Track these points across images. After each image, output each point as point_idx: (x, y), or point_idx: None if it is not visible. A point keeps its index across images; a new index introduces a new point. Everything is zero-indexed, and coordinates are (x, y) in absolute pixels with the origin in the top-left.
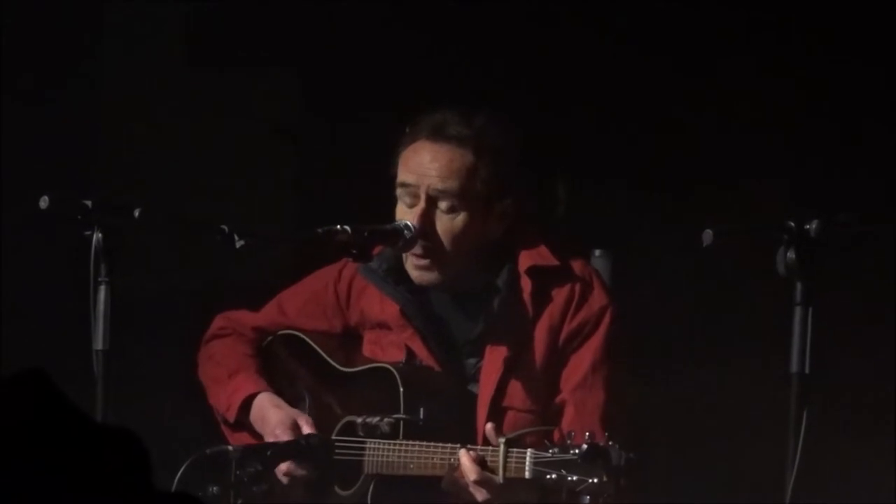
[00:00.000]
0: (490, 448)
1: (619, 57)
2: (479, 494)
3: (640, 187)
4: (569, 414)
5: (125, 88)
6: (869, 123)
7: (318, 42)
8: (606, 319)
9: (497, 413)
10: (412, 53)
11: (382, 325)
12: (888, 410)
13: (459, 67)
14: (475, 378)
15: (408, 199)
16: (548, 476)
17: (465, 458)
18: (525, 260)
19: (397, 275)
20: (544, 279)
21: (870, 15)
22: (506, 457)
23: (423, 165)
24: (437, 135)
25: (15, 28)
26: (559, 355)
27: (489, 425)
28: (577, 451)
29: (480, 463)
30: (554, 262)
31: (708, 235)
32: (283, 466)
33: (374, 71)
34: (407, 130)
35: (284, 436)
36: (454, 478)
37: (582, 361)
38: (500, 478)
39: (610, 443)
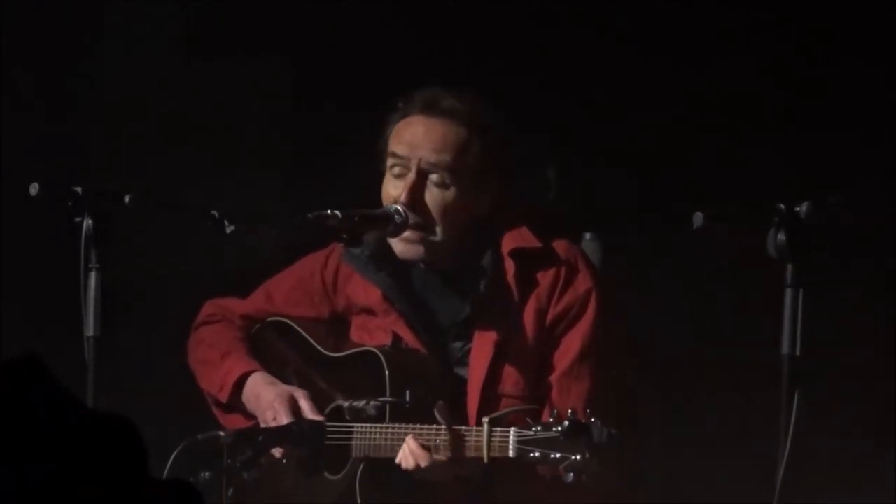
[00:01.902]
0: (474, 428)
1: (619, 49)
2: (431, 474)
3: (632, 170)
4: (553, 400)
5: (123, 83)
6: (865, 118)
7: (316, 39)
8: (593, 303)
9: (489, 399)
10: (410, 49)
11: (368, 311)
12: (881, 393)
13: (457, 61)
14: (462, 362)
15: (397, 171)
16: (531, 454)
17: (412, 444)
18: (508, 242)
19: (380, 260)
20: (527, 262)
21: (870, 15)
22: (489, 436)
23: (417, 138)
24: (431, 109)
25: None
26: (547, 339)
27: (440, 402)
28: (559, 428)
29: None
30: (536, 244)
31: (699, 218)
32: (275, 452)
33: (373, 68)
34: (399, 105)
35: (281, 409)
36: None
37: (570, 348)
38: (485, 457)
39: (592, 419)
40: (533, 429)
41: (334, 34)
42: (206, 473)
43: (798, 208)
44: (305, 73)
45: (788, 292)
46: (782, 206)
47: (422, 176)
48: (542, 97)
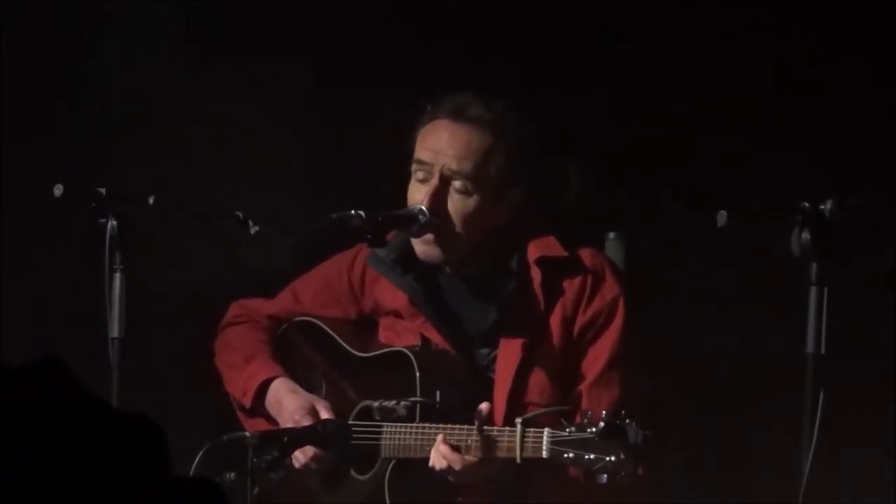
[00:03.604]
0: (507, 429)
1: (621, 47)
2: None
3: (655, 170)
4: (583, 410)
5: (133, 81)
6: (873, 117)
7: (326, 33)
8: (621, 310)
9: (514, 406)
10: (423, 44)
11: (395, 313)
12: None
13: (468, 57)
14: (489, 368)
15: (421, 175)
16: (565, 455)
17: (444, 448)
18: (533, 250)
19: (405, 263)
20: (554, 270)
21: (872, 14)
22: (523, 437)
23: (441, 144)
24: (458, 115)
25: (19, 20)
26: (574, 348)
27: (485, 404)
28: (594, 429)
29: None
30: (562, 253)
31: (722, 216)
32: (300, 452)
33: (384, 60)
34: (428, 108)
35: (303, 420)
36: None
37: (599, 356)
38: (518, 458)
39: (627, 421)
40: (567, 430)
41: (344, 32)
42: (232, 474)
43: (822, 206)
44: (317, 70)
45: (813, 290)
46: (806, 204)
47: (444, 182)
48: (551, 89)
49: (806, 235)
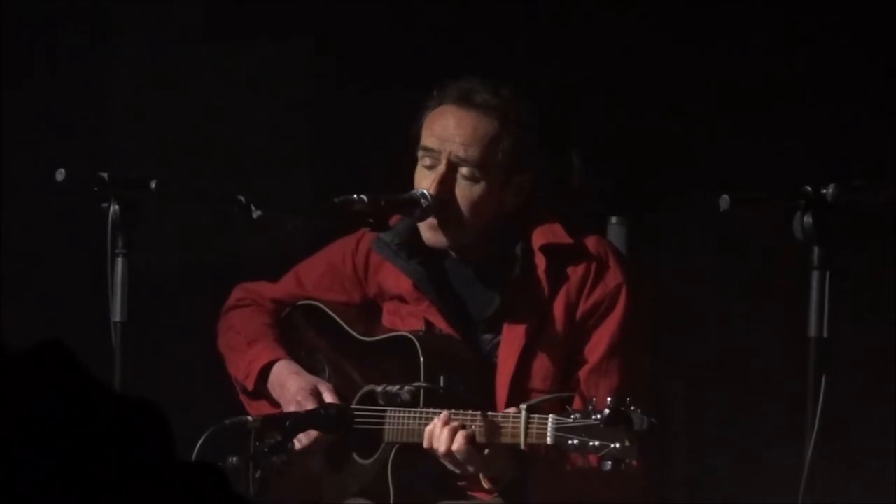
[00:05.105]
0: (511, 415)
1: (635, 34)
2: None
3: (657, 153)
4: (582, 395)
5: (139, 63)
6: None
7: (328, 16)
8: (623, 298)
9: (517, 392)
10: (423, 40)
11: (399, 298)
12: None
13: (475, 40)
14: (492, 354)
15: (428, 162)
16: (570, 442)
17: (439, 422)
18: (538, 237)
19: (410, 248)
20: (558, 257)
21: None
22: (527, 423)
23: (448, 130)
24: (464, 101)
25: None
26: (576, 334)
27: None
28: (599, 416)
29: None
30: (567, 240)
31: (725, 201)
32: (303, 436)
33: (385, 51)
34: (434, 93)
35: (306, 402)
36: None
37: (599, 343)
38: (522, 444)
39: (632, 408)
40: (572, 416)
41: (345, 17)
42: (234, 458)
43: (824, 190)
44: (326, 54)
45: (815, 274)
46: (808, 188)
47: (451, 169)
48: (564, 81)
49: (808, 219)
